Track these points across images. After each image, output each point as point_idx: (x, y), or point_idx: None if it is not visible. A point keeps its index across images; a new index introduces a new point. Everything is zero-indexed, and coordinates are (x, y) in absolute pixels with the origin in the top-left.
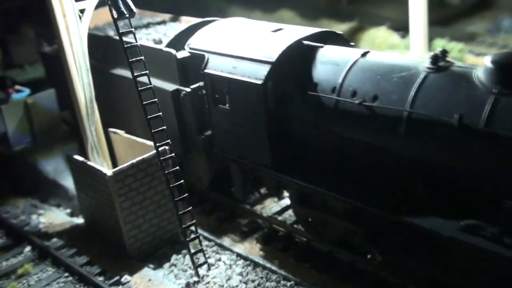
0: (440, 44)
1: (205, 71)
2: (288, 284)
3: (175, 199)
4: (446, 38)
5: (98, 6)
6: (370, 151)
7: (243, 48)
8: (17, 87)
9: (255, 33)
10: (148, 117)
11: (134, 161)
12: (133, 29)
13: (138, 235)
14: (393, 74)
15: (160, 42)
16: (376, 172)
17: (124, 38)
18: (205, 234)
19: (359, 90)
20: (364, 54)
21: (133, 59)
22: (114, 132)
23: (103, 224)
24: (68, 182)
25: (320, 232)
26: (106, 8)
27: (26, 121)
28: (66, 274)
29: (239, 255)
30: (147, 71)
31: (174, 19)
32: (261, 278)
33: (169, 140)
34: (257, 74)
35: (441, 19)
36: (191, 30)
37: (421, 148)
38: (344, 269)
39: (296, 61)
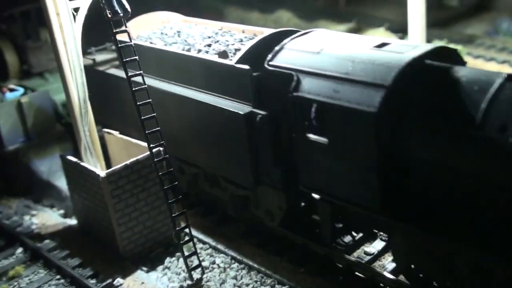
0: None
1: (296, 94)
2: None
3: (169, 201)
4: (444, 40)
5: (138, 12)
6: None
7: (344, 67)
8: (11, 86)
9: (355, 49)
10: (142, 117)
11: (127, 162)
12: (127, 29)
13: (131, 237)
14: None
15: (225, 56)
16: None
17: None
18: (200, 236)
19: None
20: (510, 78)
21: (127, 59)
22: (109, 133)
23: (96, 226)
24: (62, 182)
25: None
26: (148, 16)
27: (20, 121)
28: (58, 277)
29: (233, 258)
30: (141, 71)
31: (231, 28)
32: (256, 282)
33: (163, 141)
34: (367, 100)
35: (440, 21)
36: (266, 44)
37: None
38: (340, 274)
39: (416, 84)
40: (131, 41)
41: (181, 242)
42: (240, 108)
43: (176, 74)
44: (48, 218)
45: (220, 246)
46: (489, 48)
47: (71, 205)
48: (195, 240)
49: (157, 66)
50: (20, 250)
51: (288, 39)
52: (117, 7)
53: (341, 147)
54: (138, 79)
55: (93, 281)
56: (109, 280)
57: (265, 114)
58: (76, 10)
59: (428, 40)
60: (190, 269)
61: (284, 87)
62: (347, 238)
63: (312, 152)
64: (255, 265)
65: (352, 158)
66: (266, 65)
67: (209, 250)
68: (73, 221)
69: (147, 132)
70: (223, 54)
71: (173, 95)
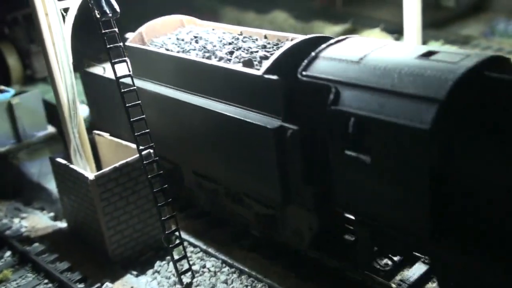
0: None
1: (335, 107)
2: None
3: (158, 204)
4: (441, 41)
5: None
6: None
7: (390, 79)
8: (2, 87)
9: (399, 58)
10: (132, 119)
11: (117, 164)
12: (116, 30)
13: (121, 240)
14: None
15: (250, 64)
16: None
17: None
18: (191, 239)
19: None
20: None
21: (117, 60)
22: (99, 134)
23: (86, 229)
24: (52, 185)
25: None
26: (162, 20)
27: (10, 122)
28: (46, 281)
29: (224, 262)
30: (131, 73)
31: (252, 33)
32: (246, 286)
33: (153, 144)
34: (418, 115)
35: (437, 22)
36: (296, 52)
37: None
38: (332, 278)
39: (474, 98)
40: (120, 42)
41: (170, 245)
42: (268, 121)
43: (196, 83)
44: (38, 221)
45: (211, 250)
46: (485, 49)
47: (61, 207)
48: (185, 243)
49: (173, 74)
50: (8, 253)
51: (323, 46)
52: (105, 7)
53: (386, 166)
54: (128, 80)
55: (81, 285)
56: (98, 285)
57: (296, 129)
58: (66, 10)
59: (424, 41)
60: (180, 273)
61: (320, 100)
62: (384, 261)
63: (351, 171)
64: (246, 269)
65: (398, 179)
66: (299, 75)
67: (200, 254)
68: (63, 224)
69: (136, 134)
70: (248, 63)
71: (191, 106)
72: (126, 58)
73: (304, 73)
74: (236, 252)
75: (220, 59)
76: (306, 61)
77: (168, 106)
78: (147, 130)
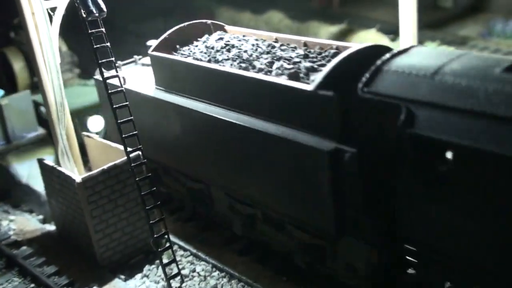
0: (430, 47)
1: (410, 131)
2: None
3: (147, 207)
4: (437, 42)
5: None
6: None
7: (476, 97)
8: None
9: (481, 72)
10: (119, 121)
11: (105, 167)
12: (103, 29)
13: (109, 244)
14: None
15: (296, 77)
16: None
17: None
18: (181, 243)
19: None
20: None
21: (104, 61)
22: (88, 136)
23: (74, 232)
24: (41, 187)
25: None
26: (187, 26)
27: None
28: (33, 285)
29: (214, 266)
30: (118, 74)
31: (289, 41)
32: None
33: (141, 146)
34: None
35: (434, 22)
36: (352, 63)
37: None
38: (323, 283)
39: None
40: (107, 42)
41: (159, 249)
42: (321, 143)
43: (232, 98)
44: (26, 223)
45: (201, 254)
46: (482, 50)
47: (49, 210)
48: (175, 247)
49: (204, 87)
50: None
51: (385, 58)
52: (92, 7)
53: (472, 199)
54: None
55: None
56: None
57: (355, 152)
58: (54, 9)
59: (421, 42)
60: (168, 278)
61: (385, 120)
62: None
63: (425, 202)
64: (236, 274)
65: (491, 215)
66: (360, 92)
67: (190, 258)
68: (52, 227)
69: (124, 136)
70: (294, 76)
71: (226, 123)
72: (113, 59)
73: (366, 89)
74: (227, 256)
75: (259, 70)
76: (367, 75)
77: (198, 122)
78: (134, 132)
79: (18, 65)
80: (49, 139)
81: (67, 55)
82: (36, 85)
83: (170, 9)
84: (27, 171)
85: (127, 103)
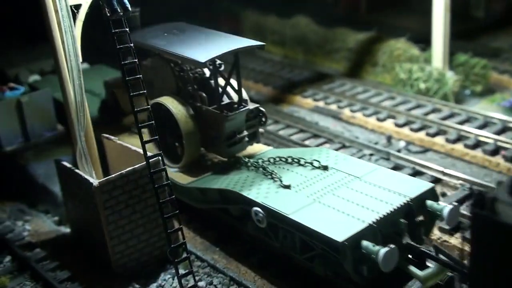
0: (462, 59)
1: None
2: None
3: (165, 215)
4: (469, 53)
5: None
6: None
7: None
8: (12, 84)
9: None
10: (140, 125)
11: (123, 171)
12: (127, 29)
13: (124, 251)
14: None
15: None
16: None
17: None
18: (198, 253)
19: None
20: None
21: (127, 62)
22: (107, 138)
23: (89, 237)
24: (58, 187)
25: None
26: None
27: (18, 121)
28: None
29: (232, 279)
30: (140, 75)
31: None
32: None
33: (161, 152)
34: None
35: (464, 33)
36: None
37: None
38: None
39: None
40: (130, 43)
41: (176, 260)
42: None
43: None
44: (41, 224)
45: (219, 265)
46: None
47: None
48: (192, 257)
49: None
50: (8, 258)
51: None
52: (116, 5)
53: None
54: None
55: None
56: None
57: None
58: (77, 7)
59: (452, 53)
60: None
61: None
62: None
63: None
64: None
65: None
66: None
67: (207, 269)
68: (67, 229)
69: (144, 141)
70: None
71: None
72: (136, 60)
73: None
74: (245, 269)
75: None
76: None
77: None
78: (155, 137)
79: None
80: (68, 139)
81: None
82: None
83: (194, 10)
84: (44, 171)
85: (149, 106)
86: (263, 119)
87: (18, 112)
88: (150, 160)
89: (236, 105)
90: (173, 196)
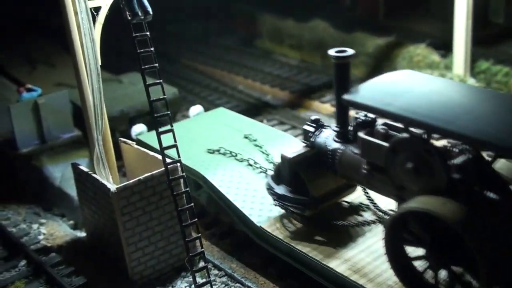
0: (484, 66)
1: None
2: None
3: (183, 224)
4: (490, 61)
5: None
6: None
7: None
8: (29, 85)
9: None
10: (160, 130)
11: (141, 177)
12: (148, 33)
13: (141, 258)
14: None
15: None
16: None
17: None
18: (216, 262)
19: None
20: None
21: (147, 67)
22: (125, 142)
23: (105, 243)
24: (74, 191)
25: None
26: None
27: (35, 122)
28: None
29: None
30: (161, 80)
31: None
32: None
33: (180, 158)
34: None
35: (484, 39)
36: None
37: None
38: None
39: None
40: (151, 47)
41: (194, 269)
42: None
43: None
44: (57, 228)
45: (236, 275)
46: None
47: (81, 216)
48: (209, 265)
49: None
50: (23, 262)
51: None
52: (137, 9)
53: None
54: None
55: None
56: None
57: None
58: (97, 9)
59: (473, 59)
60: None
61: None
62: None
63: None
64: None
65: None
66: None
67: (225, 278)
68: (82, 234)
69: (163, 147)
70: None
71: None
72: (157, 65)
73: None
74: (264, 279)
75: None
76: None
77: None
78: (175, 143)
79: None
80: (85, 141)
81: None
82: None
83: (210, 15)
84: (61, 174)
85: (169, 112)
86: None
87: (34, 114)
88: (168, 166)
89: None
90: (192, 204)
